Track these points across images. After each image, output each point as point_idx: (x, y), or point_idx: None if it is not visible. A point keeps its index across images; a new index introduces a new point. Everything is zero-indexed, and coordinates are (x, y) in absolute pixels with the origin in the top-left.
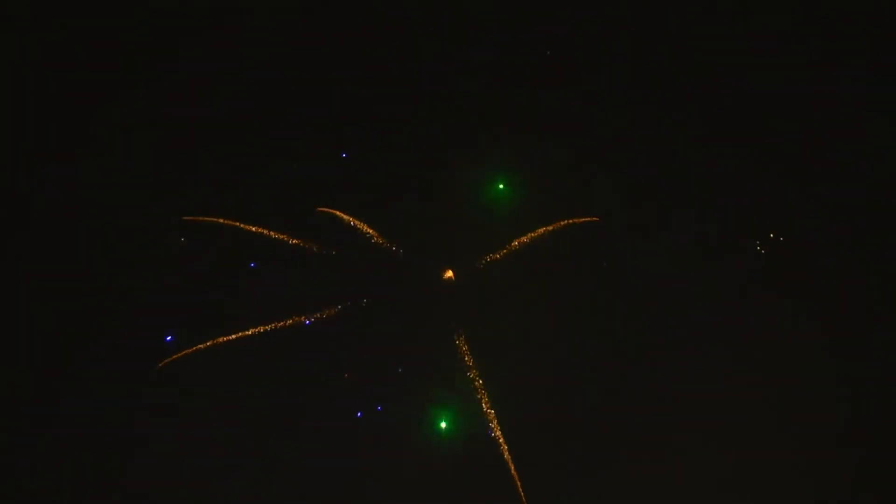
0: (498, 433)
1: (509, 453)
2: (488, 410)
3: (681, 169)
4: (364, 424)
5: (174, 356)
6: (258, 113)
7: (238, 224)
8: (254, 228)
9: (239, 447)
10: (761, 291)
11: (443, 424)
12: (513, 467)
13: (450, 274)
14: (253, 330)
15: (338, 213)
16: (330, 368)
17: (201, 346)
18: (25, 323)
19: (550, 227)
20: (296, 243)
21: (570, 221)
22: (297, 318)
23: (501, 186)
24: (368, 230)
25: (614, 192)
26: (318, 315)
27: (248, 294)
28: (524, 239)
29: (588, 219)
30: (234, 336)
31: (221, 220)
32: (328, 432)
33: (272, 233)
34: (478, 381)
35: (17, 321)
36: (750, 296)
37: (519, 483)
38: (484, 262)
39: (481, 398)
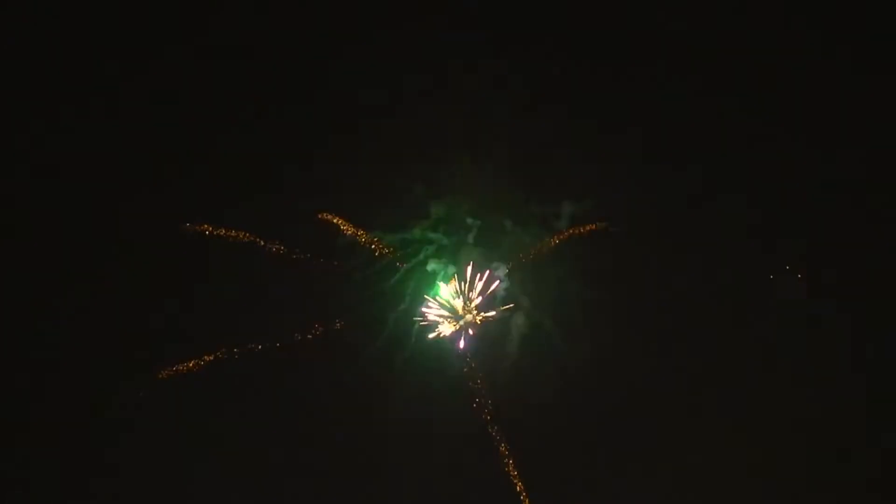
0: (505, 452)
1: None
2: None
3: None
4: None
5: (174, 368)
6: (258, 119)
7: (241, 235)
8: (260, 241)
9: (238, 459)
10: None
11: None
12: (520, 484)
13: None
14: (254, 346)
15: (338, 220)
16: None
17: (205, 359)
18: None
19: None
20: (298, 257)
21: (587, 228)
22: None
23: None
24: (370, 239)
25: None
26: (323, 329)
27: (250, 305)
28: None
29: (595, 226)
30: (235, 350)
31: (225, 232)
32: (333, 443)
33: (275, 245)
34: (482, 399)
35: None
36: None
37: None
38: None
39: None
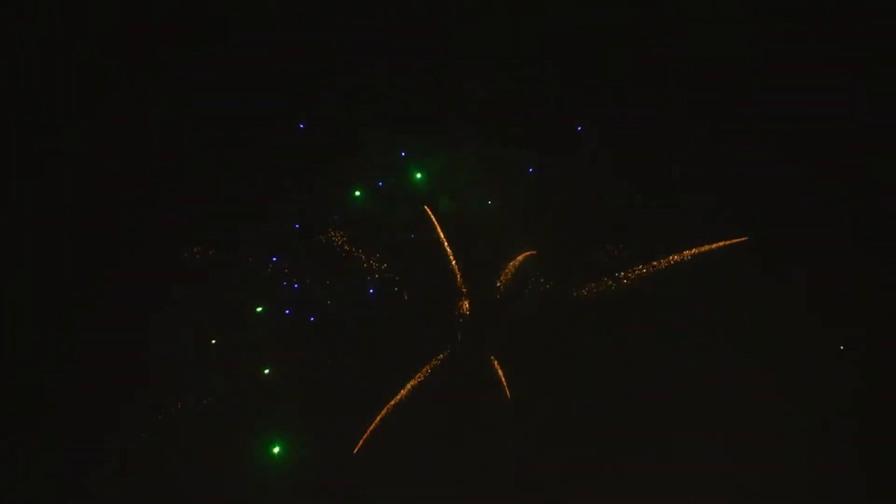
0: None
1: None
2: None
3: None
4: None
5: (174, 404)
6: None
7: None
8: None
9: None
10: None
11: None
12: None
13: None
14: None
15: (341, 239)
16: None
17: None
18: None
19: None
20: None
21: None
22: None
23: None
24: (372, 262)
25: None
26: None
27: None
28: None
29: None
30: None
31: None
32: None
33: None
34: None
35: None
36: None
37: None
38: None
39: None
